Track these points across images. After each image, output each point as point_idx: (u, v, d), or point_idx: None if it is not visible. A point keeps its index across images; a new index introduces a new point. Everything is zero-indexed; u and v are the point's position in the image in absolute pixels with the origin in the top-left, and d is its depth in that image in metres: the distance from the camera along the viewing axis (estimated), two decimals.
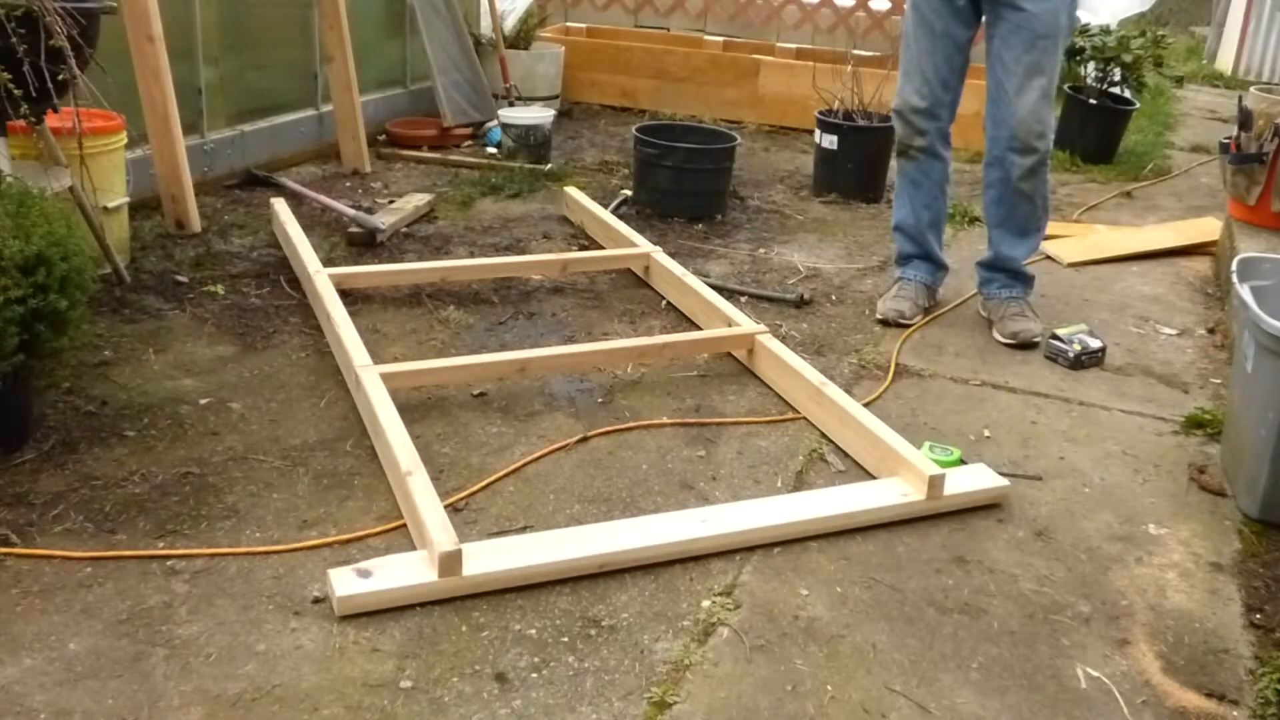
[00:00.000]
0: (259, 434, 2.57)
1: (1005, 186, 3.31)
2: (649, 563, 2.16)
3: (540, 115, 5.04)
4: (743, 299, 3.55)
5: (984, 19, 3.26)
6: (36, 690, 1.76)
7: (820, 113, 4.83)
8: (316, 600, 2.01)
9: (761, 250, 4.09)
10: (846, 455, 2.64)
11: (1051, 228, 3.82)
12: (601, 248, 3.92)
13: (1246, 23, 8.95)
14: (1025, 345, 3.29)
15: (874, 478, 2.53)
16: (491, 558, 2.08)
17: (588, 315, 3.40)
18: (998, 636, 2.06)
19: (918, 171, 3.43)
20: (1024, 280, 3.46)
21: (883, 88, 4.80)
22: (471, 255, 3.83)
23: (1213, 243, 4.32)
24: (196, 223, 3.82)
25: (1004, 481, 2.51)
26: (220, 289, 3.36)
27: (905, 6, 3.34)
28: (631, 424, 2.73)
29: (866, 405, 2.78)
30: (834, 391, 2.73)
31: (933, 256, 3.54)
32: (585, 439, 2.64)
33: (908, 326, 3.40)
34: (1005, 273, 3.45)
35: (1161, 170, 5.63)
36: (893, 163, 4.56)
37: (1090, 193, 5.13)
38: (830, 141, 4.74)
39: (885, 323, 3.42)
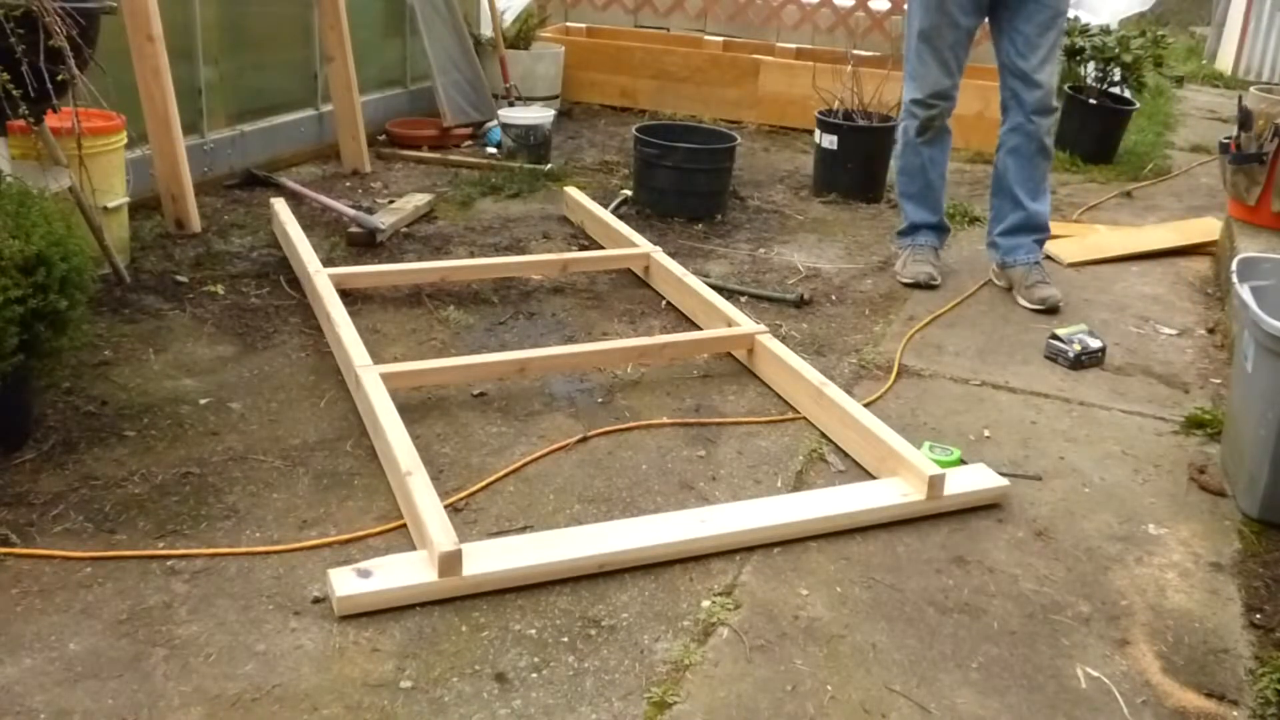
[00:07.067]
0: (259, 434, 2.57)
1: (1031, 144, 3.65)
2: (649, 563, 2.16)
3: (540, 115, 5.04)
4: (743, 299, 3.54)
5: (998, 3, 3.57)
6: (36, 690, 1.76)
7: (820, 113, 4.83)
8: (316, 600, 2.01)
9: (761, 250, 4.09)
10: (846, 455, 2.64)
11: (1052, 227, 3.84)
12: (601, 248, 3.92)
13: (1246, 23, 8.95)
14: (1052, 310, 3.57)
15: (874, 478, 2.53)
16: (491, 558, 2.08)
17: (588, 315, 3.40)
18: (998, 636, 2.06)
19: (936, 147, 3.79)
20: (1042, 244, 3.76)
21: (882, 88, 4.80)
22: (471, 255, 3.82)
23: (1213, 243, 4.32)
24: (196, 223, 3.82)
25: (1004, 481, 2.51)
26: (220, 289, 3.36)
27: (916, 6, 3.62)
28: (631, 424, 2.73)
29: (867, 405, 2.79)
30: (834, 391, 2.73)
31: (942, 223, 3.91)
32: (585, 439, 2.64)
33: (936, 287, 3.73)
34: (1032, 233, 3.72)
35: (1161, 170, 5.62)
36: (895, 162, 4.53)
37: (1090, 193, 5.13)
38: (830, 141, 4.74)
39: (916, 285, 3.74)
